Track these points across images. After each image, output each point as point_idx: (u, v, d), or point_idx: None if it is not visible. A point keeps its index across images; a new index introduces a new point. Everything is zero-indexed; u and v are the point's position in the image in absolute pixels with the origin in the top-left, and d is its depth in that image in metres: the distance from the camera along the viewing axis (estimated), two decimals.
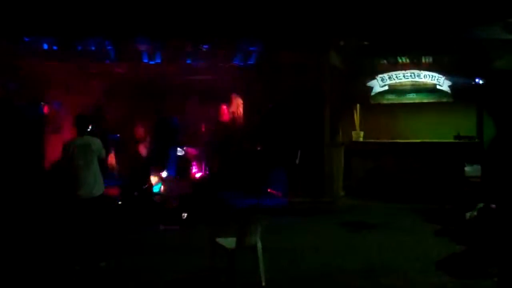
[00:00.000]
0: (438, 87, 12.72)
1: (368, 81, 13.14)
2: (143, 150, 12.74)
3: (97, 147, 7.33)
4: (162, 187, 11.35)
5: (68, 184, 7.22)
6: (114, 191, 10.61)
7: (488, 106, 11.50)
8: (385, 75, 13.01)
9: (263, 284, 6.25)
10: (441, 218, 9.80)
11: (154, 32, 10.76)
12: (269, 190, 11.77)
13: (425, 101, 13.07)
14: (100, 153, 7.38)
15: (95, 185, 7.23)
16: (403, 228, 9.47)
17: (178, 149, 12.15)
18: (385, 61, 13.17)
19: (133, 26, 10.54)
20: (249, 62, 11.55)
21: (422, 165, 12.33)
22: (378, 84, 13.05)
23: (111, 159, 12.11)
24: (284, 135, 11.37)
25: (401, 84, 13.05)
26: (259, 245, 6.34)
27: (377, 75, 13.06)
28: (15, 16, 10.17)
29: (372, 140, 13.18)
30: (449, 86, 12.61)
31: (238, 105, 13.20)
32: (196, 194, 11.00)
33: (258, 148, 11.91)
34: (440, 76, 12.66)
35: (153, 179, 11.32)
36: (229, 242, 6.26)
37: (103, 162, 7.60)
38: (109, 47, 11.16)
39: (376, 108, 13.35)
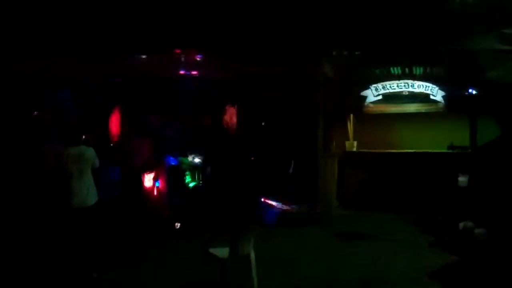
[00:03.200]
0: (431, 97, 12.73)
1: (362, 91, 13.15)
2: (137, 159, 12.67)
3: (90, 157, 7.30)
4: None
5: (61, 193, 7.18)
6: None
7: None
8: (379, 85, 13.01)
9: None
10: (435, 229, 9.80)
11: (148, 43, 10.77)
12: (262, 200, 11.74)
13: (418, 111, 13.08)
14: (93, 162, 7.35)
15: (88, 195, 7.19)
16: (397, 238, 9.46)
17: (171, 158, 12.11)
18: (378, 71, 13.19)
19: (126, 37, 10.55)
20: (241, 72, 11.56)
21: (416, 175, 12.34)
22: (372, 94, 13.05)
23: None
24: (278, 145, 11.37)
25: (394, 94, 13.07)
26: (252, 255, 6.33)
27: (370, 84, 13.07)
28: (11, 25, 10.17)
29: (366, 150, 13.18)
30: (443, 96, 12.64)
31: (231, 115, 13.19)
32: (189, 204, 10.97)
33: (252, 158, 11.89)
34: (434, 86, 12.68)
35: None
36: (222, 252, 6.23)
37: (96, 171, 7.55)
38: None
39: (370, 118, 13.35)
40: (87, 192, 7.19)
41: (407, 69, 12.99)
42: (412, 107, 13.10)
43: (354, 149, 13.39)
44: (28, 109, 11.63)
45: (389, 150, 12.92)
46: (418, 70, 12.97)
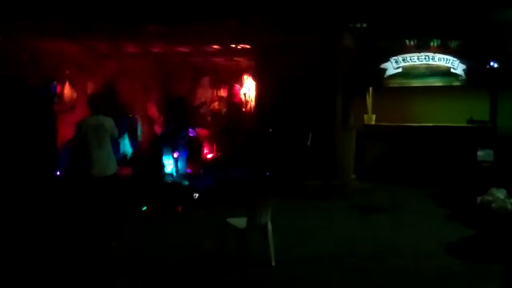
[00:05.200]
0: (452, 70, 12.57)
1: (382, 64, 13.02)
2: (157, 130, 12.76)
3: (110, 127, 7.35)
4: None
5: (81, 163, 7.26)
6: (126, 171, 10.67)
7: None
8: (399, 57, 12.87)
9: (273, 264, 6.30)
10: (453, 202, 9.77)
11: (166, 13, 10.71)
12: (280, 172, 11.75)
13: (438, 84, 12.92)
14: (112, 132, 7.40)
15: (108, 164, 7.25)
16: (414, 211, 9.47)
17: (190, 130, 12.17)
18: (399, 43, 13.02)
19: (144, 8, 10.51)
20: (261, 43, 11.46)
21: (434, 149, 12.28)
22: (392, 67, 12.93)
23: None
24: (296, 117, 11.33)
25: (414, 67, 12.91)
26: (270, 225, 6.39)
27: (390, 57, 12.93)
28: None
29: (384, 124, 13.12)
30: (463, 70, 12.46)
31: (249, 86, 13.17)
32: (207, 174, 11.05)
33: (270, 130, 11.88)
34: (455, 59, 12.51)
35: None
36: (240, 222, 6.30)
37: (116, 141, 7.59)
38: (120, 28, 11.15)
39: (389, 91, 13.25)
40: (107, 161, 7.24)
41: (428, 42, 12.81)
42: (431, 80, 12.95)
43: (373, 122, 13.33)
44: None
45: (408, 124, 12.85)
46: (438, 43, 12.79)
